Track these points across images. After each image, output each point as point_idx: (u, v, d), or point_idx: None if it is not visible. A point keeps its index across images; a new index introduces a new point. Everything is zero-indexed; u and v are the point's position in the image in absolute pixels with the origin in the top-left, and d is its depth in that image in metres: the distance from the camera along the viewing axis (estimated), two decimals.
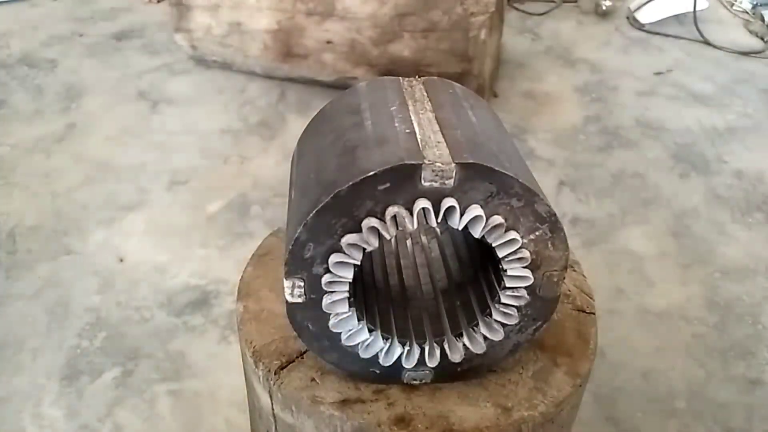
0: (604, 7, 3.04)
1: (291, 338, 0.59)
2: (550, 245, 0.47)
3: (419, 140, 0.45)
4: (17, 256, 1.64)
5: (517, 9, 3.08)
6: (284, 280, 0.45)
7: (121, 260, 1.63)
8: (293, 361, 0.57)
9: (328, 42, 2.19)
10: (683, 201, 1.90)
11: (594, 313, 0.64)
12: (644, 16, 2.96)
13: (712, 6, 3.05)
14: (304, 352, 0.57)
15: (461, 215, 0.45)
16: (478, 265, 0.56)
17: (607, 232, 1.76)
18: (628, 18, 3.03)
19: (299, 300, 0.47)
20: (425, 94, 0.53)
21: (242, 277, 0.66)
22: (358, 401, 0.54)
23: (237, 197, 1.85)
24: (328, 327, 0.49)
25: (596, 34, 2.92)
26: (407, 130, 0.45)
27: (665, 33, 2.90)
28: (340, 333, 0.49)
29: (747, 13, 3.10)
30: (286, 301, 0.47)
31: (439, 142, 0.44)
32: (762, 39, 2.87)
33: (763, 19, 2.99)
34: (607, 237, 1.74)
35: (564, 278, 0.49)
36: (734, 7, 3.15)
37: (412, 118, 0.47)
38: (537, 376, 0.57)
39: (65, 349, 1.40)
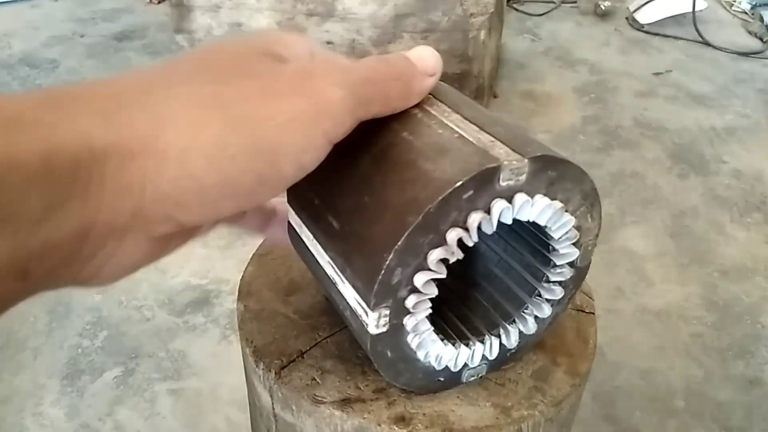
0: (603, 8, 3.04)
1: (291, 337, 0.59)
2: (589, 218, 0.47)
3: (474, 142, 0.44)
4: None
5: (516, 10, 3.08)
6: (369, 312, 0.42)
7: None
8: (294, 360, 0.57)
9: (329, 42, 2.19)
10: (682, 201, 1.90)
11: (593, 313, 0.64)
12: (643, 17, 2.96)
13: (711, 6, 3.05)
14: (305, 352, 0.57)
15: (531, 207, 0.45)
16: (515, 251, 0.54)
17: (607, 231, 1.76)
18: (627, 18, 3.03)
19: (384, 329, 0.43)
20: (431, 96, 0.52)
21: (243, 276, 0.66)
22: (359, 400, 0.54)
23: None
24: (404, 350, 0.45)
25: (595, 35, 2.92)
26: (455, 135, 0.42)
27: (664, 33, 2.90)
28: (417, 352, 0.46)
29: (746, 13, 3.10)
30: (369, 334, 0.43)
31: (491, 141, 0.43)
32: (761, 39, 2.87)
33: (762, 20, 2.99)
34: (606, 237, 1.74)
35: (596, 245, 0.49)
36: (733, 8, 3.15)
37: (446, 122, 0.44)
38: (536, 375, 0.57)
39: (66, 348, 1.41)
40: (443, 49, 2.10)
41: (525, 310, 0.51)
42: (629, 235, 1.76)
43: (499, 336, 0.52)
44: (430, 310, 0.45)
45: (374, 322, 0.42)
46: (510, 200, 0.43)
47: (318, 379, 0.54)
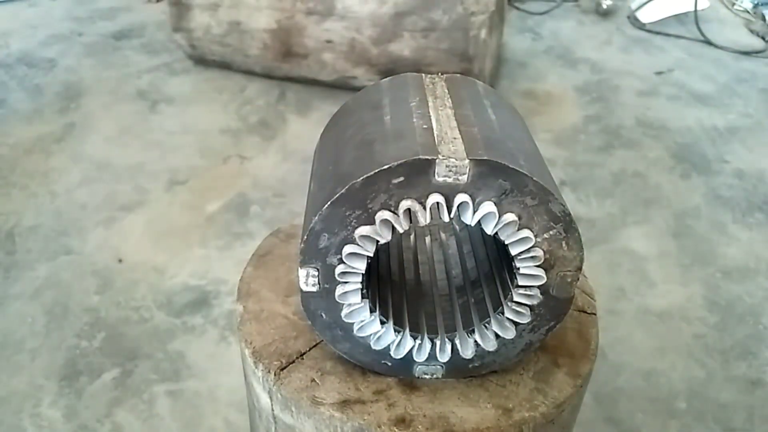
0: (604, 7, 3.03)
1: (291, 339, 0.59)
2: (564, 245, 0.47)
3: (435, 136, 0.46)
4: (16, 256, 1.63)
5: (517, 8, 3.07)
6: (299, 268, 0.46)
7: (120, 260, 1.63)
8: (293, 361, 0.56)
9: (328, 41, 2.18)
10: (684, 201, 1.90)
11: (595, 314, 0.64)
12: (645, 16, 2.96)
13: (713, 5, 3.05)
14: (304, 353, 0.57)
15: (474, 211, 0.45)
16: (494, 263, 0.56)
17: (608, 232, 1.75)
18: (629, 17, 3.03)
19: (313, 289, 0.47)
20: (446, 91, 0.54)
21: (242, 277, 0.65)
22: (358, 402, 0.53)
23: (236, 197, 1.85)
24: (341, 317, 0.49)
25: (597, 34, 2.92)
26: (425, 126, 0.45)
27: (666, 32, 2.89)
28: (353, 323, 0.50)
29: (748, 12, 3.10)
30: (301, 290, 0.47)
31: (455, 138, 0.45)
32: (763, 38, 2.87)
33: (764, 19, 2.98)
34: (607, 237, 1.73)
35: (578, 279, 0.49)
36: (735, 7, 3.14)
37: (431, 114, 0.47)
38: (538, 376, 0.56)
39: (64, 349, 1.40)
40: (444, 48, 2.09)
41: (487, 324, 0.51)
42: (631, 236, 1.75)
43: (452, 341, 0.52)
44: (360, 285, 0.47)
45: (303, 279, 0.46)
46: (451, 199, 0.44)
47: (317, 381, 0.54)
